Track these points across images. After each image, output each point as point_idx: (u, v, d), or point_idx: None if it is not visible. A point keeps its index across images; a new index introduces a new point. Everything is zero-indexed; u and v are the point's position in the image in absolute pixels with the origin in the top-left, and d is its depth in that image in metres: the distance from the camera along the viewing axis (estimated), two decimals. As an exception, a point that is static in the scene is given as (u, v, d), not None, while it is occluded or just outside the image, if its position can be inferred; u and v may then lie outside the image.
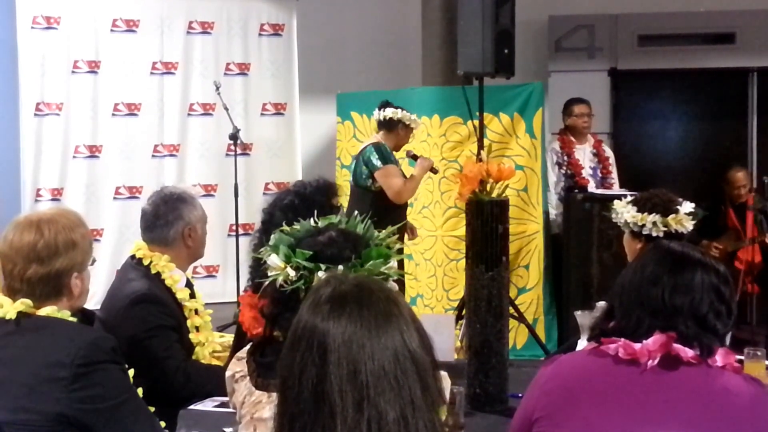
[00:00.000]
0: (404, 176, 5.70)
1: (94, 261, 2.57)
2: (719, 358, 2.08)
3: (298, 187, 3.45)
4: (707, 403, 2.02)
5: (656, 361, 2.04)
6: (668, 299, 2.10)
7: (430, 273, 6.41)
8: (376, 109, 5.85)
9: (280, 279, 2.13)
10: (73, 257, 2.44)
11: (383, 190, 5.58)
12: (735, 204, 6.71)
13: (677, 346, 2.05)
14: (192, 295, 3.47)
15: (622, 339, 2.09)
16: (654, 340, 2.05)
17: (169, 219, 3.44)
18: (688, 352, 2.05)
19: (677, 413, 2.01)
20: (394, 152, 5.78)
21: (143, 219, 3.51)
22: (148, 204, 3.54)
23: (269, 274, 2.16)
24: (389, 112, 5.76)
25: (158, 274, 3.38)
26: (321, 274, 2.08)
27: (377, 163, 5.58)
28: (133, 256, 3.45)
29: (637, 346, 2.06)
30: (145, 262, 3.39)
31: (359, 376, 1.31)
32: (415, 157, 5.84)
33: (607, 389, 2.06)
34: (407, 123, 5.77)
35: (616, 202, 3.87)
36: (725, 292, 2.13)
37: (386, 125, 5.77)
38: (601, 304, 2.47)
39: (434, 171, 5.90)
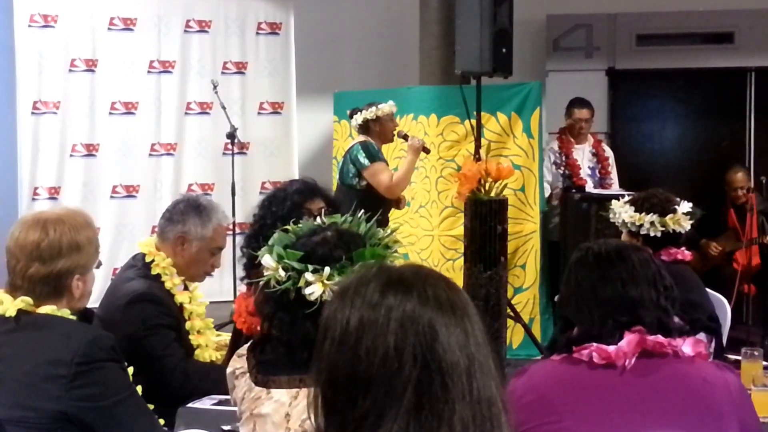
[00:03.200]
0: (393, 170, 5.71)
1: (99, 264, 2.58)
2: (689, 348, 2.07)
3: (286, 184, 3.56)
4: (688, 397, 2.01)
5: (632, 362, 2.02)
6: (623, 292, 2.09)
7: (427, 272, 6.40)
8: (352, 119, 5.87)
9: (272, 279, 2.13)
10: (75, 259, 2.45)
11: (369, 188, 5.59)
12: (735, 204, 6.68)
13: (651, 339, 2.03)
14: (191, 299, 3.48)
15: (594, 344, 2.05)
16: (628, 341, 2.03)
17: (174, 218, 3.44)
18: (661, 339, 2.04)
19: (661, 411, 2.00)
20: (386, 143, 5.84)
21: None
22: (177, 198, 3.60)
23: (265, 273, 2.16)
24: (360, 118, 5.78)
25: (158, 275, 3.37)
26: (308, 275, 2.08)
27: (365, 161, 5.60)
28: (136, 255, 3.44)
29: (611, 348, 2.03)
30: (148, 259, 3.38)
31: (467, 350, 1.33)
32: (406, 137, 5.83)
33: (588, 398, 2.02)
34: (379, 116, 5.75)
35: (613, 201, 3.87)
36: (662, 269, 2.17)
37: (364, 129, 5.79)
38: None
39: (426, 150, 5.83)
